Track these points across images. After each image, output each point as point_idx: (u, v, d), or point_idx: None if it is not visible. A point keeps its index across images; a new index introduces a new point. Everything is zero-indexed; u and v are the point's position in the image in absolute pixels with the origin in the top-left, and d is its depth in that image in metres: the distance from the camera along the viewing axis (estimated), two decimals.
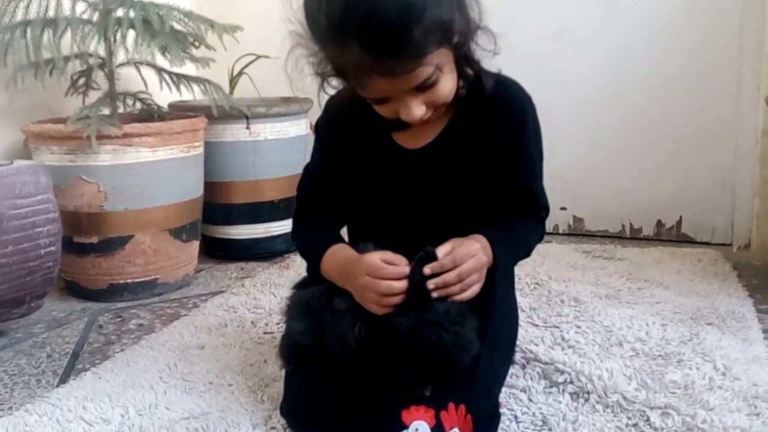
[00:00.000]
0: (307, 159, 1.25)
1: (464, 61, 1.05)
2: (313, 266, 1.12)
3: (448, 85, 1.01)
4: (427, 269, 0.97)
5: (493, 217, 1.12)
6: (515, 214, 1.13)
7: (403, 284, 0.97)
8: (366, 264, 0.99)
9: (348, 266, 1.04)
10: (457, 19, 0.96)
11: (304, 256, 1.18)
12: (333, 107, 1.19)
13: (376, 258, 0.99)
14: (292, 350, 1.12)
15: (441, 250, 0.99)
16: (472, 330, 1.00)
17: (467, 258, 0.99)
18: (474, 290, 1.00)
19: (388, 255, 1.00)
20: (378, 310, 0.98)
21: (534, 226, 1.17)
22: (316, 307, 1.07)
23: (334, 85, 1.08)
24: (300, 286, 1.18)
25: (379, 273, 0.97)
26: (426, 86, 0.97)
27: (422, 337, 0.96)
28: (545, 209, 1.17)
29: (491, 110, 1.10)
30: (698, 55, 2.13)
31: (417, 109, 0.99)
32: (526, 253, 1.17)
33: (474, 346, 1.00)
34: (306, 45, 1.00)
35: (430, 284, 0.97)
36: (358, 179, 1.17)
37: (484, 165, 1.11)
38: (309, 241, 1.16)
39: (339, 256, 1.08)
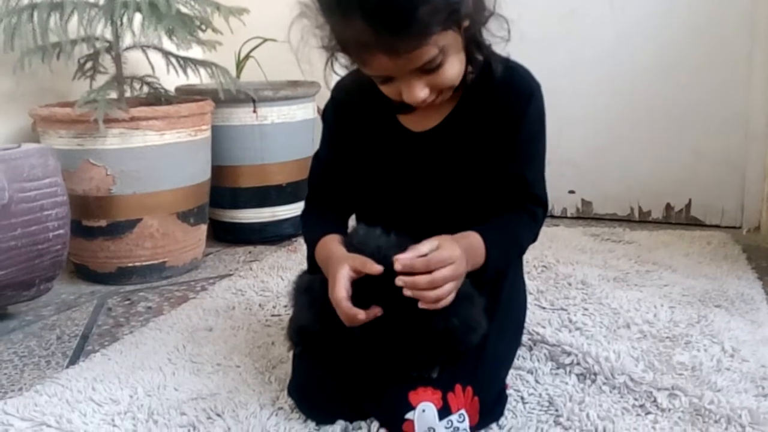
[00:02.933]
0: (315, 142, 1.25)
1: (474, 45, 1.03)
2: (309, 255, 1.13)
3: (453, 68, 1.00)
4: (397, 265, 0.92)
5: (493, 205, 1.11)
6: (508, 204, 1.11)
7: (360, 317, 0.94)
8: (333, 296, 0.96)
9: (329, 265, 1.02)
10: (466, 2, 0.94)
11: (305, 240, 1.18)
12: (339, 91, 1.19)
13: (342, 291, 0.95)
14: (299, 332, 1.13)
15: (426, 246, 0.95)
16: (479, 310, 1.00)
17: (444, 264, 0.93)
18: (447, 300, 0.94)
19: (357, 263, 0.97)
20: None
21: (528, 225, 1.12)
22: (321, 295, 1.07)
23: (342, 63, 1.06)
24: (306, 271, 1.18)
25: (339, 310, 0.96)
26: (430, 68, 0.96)
27: (431, 325, 0.96)
28: (541, 202, 1.13)
29: (498, 95, 1.08)
30: (708, 36, 2.11)
31: (420, 92, 0.98)
32: (519, 253, 1.16)
33: (482, 325, 1.00)
34: (313, 17, 0.99)
35: (398, 281, 0.91)
36: (364, 162, 1.17)
37: (489, 150, 1.11)
38: (309, 230, 1.17)
39: (325, 249, 1.07)
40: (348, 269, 0.97)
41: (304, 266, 1.22)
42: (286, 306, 1.56)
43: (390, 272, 0.95)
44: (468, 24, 0.98)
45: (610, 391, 1.14)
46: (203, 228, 2.00)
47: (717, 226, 2.20)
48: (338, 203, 1.20)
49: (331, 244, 1.07)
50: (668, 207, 2.27)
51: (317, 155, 1.23)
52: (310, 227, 1.18)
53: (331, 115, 1.20)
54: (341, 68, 1.10)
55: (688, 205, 2.24)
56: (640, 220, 2.30)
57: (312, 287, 1.10)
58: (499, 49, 1.07)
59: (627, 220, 2.31)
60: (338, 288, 0.96)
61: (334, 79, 1.14)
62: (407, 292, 0.92)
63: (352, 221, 1.22)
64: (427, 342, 0.97)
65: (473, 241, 1.03)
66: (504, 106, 1.09)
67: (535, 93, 1.10)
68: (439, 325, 0.96)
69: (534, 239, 1.15)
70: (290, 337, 1.17)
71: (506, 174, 1.11)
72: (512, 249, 1.13)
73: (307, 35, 1.00)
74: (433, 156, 1.12)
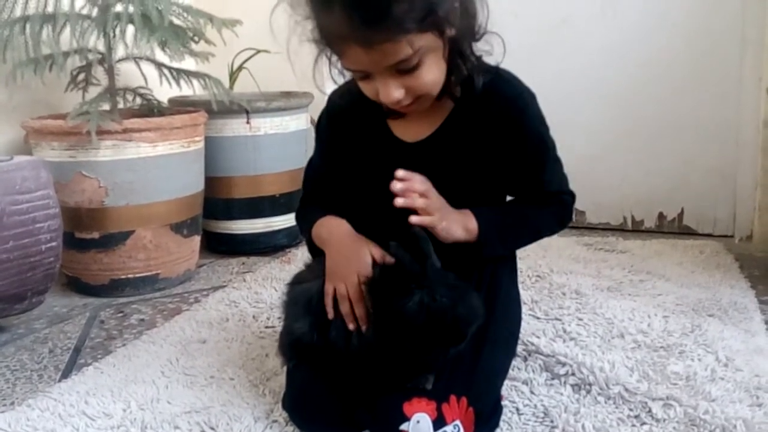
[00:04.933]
0: (308, 153, 1.28)
1: (459, 57, 1.04)
2: (308, 234, 1.16)
3: (431, 74, 1.00)
4: (399, 173, 0.99)
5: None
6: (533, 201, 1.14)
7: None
8: (365, 262, 1.03)
9: (345, 238, 1.09)
10: (446, 7, 0.95)
11: (302, 232, 1.21)
12: (333, 100, 1.20)
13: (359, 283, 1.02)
14: (293, 347, 1.12)
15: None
16: (477, 298, 1.00)
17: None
18: (432, 209, 1.01)
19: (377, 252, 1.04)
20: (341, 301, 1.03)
21: (551, 208, 1.15)
22: (317, 304, 1.07)
23: (335, 63, 1.07)
24: (296, 282, 1.17)
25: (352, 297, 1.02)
26: (405, 69, 0.96)
27: (438, 315, 0.95)
28: (566, 193, 1.16)
29: (489, 105, 1.09)
30: (699, 45, 2.12)
31: (395, 91, 0.98)
32: (534, 234, 1.16)
33: (482, 313, 1.00)
34: (300, 8, 1.00)
35: (394, 187, 0.98)
36: (356, 171, 1.18)
37: (482, 160, 1.11)
38: (306, 218, 1.20)
39: (333, 221, 1.13)
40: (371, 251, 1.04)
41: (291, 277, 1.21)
42: (279, 317, 1.55)
43: (399, 273, 0.97)
44: (454, 34, 0.99)
45: (605, 402, 1.14)
46: (196, 239, 2.00)
47: (709, 235, 2.21)
48: (330, 207, 1.21)
49: (334, 219, 1.13)
50: (661, 216, 2.28)
51: (311, 162, 1.26)
52: (307, 216, 1.20)
53: (325, 124, 1.22)
54: (332, 68, 1.09)
55: (681, 214, 2.25)
56: (633, 229, 2.31)
57: (311, 296, 1.09)
58: (491, 59, 1.08)
59: (620, 230, 2.31)
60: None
61: (323, 76, 1.13)
62: (399, 201, 0.98)
63: None
64: (435, 333, 0.96)
65: (467, 215, 1.07)
66: (498, 116, 1.09)
67: (527, 99, 1.11)
68: (447, 314, 0.95)
69: (561, 222, 1.17)
70: (283, 351, 1.16)
71: (524, 180, 1.13)
72: (520, 228, 1.14)
73: (296, 27, 1.01)
74: (425, 166, 1.12)
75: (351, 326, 1.02)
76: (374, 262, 1.03)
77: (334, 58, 1.04)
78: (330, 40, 0.98)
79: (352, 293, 1.02)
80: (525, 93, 1.11)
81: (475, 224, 1.06)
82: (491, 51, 1.06)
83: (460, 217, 1.06)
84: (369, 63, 0.96)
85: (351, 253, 1.05)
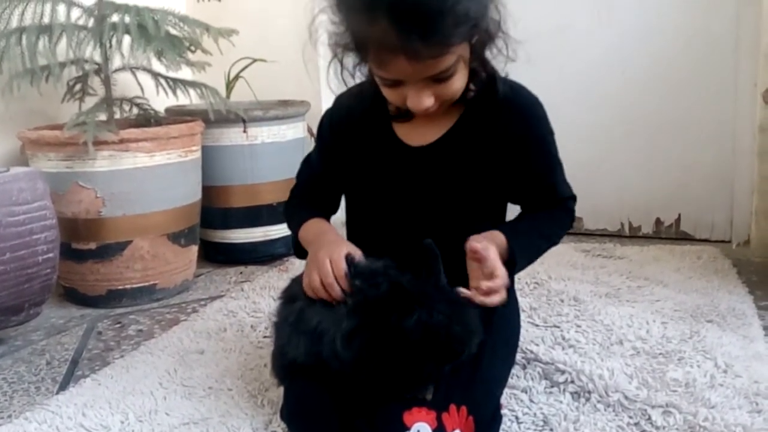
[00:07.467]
0: None
1: (480, 62, 1.05)
2: (295, 235, 1.18)
3: (460, 81, 1.02)
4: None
5: (487, 221, 1.12)
6: (541, 209, 1.15)
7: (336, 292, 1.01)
8: (336, 256, 1.02)
9: (325, 237, 1.10)
10: (486, 18, 0.96)
11: (289, 226, 1.23)
12: (340, 102, 1.21)
13: (342, 258, 1.02)
14: (286, 368, 1.11)
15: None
16: (475, 315, 1.00)
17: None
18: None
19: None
20: (308, 290, 1.04)
21: (559, 216, 1.18)
22: (308, 323, 1.06)
23: (347, 66, 1.06)
24: (286, 300, 1.15)
25: (335, 272, 1.01)
26: (441, 78, 0.97)
27: (433, 331, 0.95)
28: (571, 198, 1.18)
29: (500, 112, 1.10)
30: (695, 51, 2.13)
31: (427, 100, 0.99)
32: (550, 244, 1.17)
33: (480, 330, 1.00)
34: (329, 11, 1.00)
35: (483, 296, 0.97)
36: (360, 175, 1.19)
37: (488, 165, 1.12)
38: (295, 215, 1.21)
39: (321, 225, 1.16)
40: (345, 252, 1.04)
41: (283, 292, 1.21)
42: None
43: (392, 294, 0.96)
44: (479, 40, 1.00)
45: (605, 410, 1.14)
46: (194, 249, 1.99)
47: (707, 241, 2.21)
48: (321, 205, 1.24)
49: (329, 225, 1.15)
50: (658, 222, 2.28)
51: (309, 158, 1.27)
52: (296, 214, 1.21)
53: (327, 127, 1.22)
54: (344, 72, 1.09)
55: (678, 220, 2.26)
56: (631, 235, 2.31)
57: (298, 316, 1.08)
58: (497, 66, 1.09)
59: (617, 236, 2.31)
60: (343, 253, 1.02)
61: (333, 80, 1.12)
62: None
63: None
64: (431, 351, 0.96)
65: (498, 240, 1.05)
66: (510, 122, 1.10)
67: (539, 107, 1.13)
68: (441, 333, 0.95)
69: (569, 225, 1.20)
70: (276, 373, 1.15)
71: (536, 186, 1.15)
72: (541, 242, 1.15)
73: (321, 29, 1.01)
74: (431, 171, 1.13)
75: None
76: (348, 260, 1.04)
77: (346, 61, 1.04)
78: (371, 49, 0.96)
79: (323, 275, 1.01)
80: (536, 102, 1.14)
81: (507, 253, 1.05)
82: (515, 57, 1.06)
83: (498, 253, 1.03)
84: (411, 73, 0.96)
85: (327, 245, 1.06)
